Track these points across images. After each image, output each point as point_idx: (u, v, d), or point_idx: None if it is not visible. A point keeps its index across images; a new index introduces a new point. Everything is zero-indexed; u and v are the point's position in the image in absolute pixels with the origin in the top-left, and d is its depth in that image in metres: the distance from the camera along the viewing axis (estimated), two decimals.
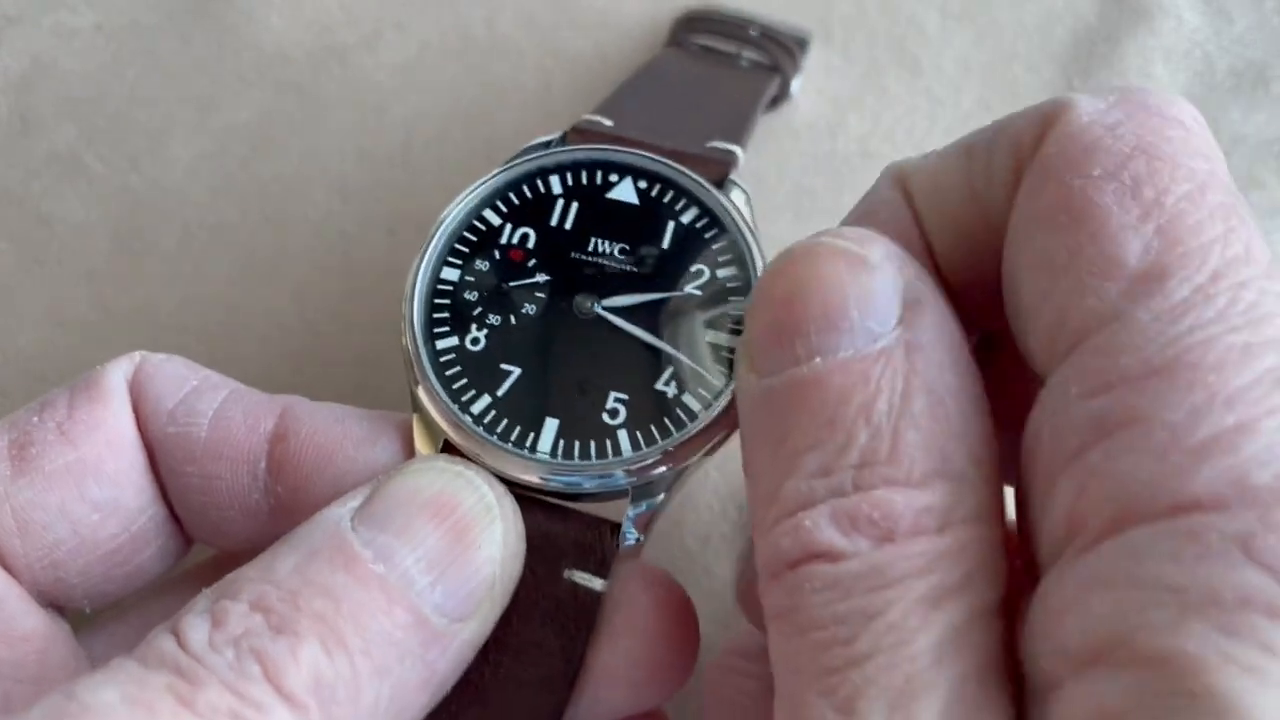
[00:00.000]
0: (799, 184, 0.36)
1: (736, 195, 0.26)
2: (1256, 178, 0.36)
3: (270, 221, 0.36)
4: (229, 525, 0.24)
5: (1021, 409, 0.19)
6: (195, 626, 0.19)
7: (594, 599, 0.22)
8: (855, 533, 0.17)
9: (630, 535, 0.23)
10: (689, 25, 0.38)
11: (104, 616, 0.25)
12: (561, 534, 0.23)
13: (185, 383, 0.24)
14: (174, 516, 0.25)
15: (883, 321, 0.18)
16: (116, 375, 0.24)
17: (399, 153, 0.38)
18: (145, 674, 0.18)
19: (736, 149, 0.27)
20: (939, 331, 0.19)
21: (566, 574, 0.22)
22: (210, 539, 0.25)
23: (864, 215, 0.22)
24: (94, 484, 0.23)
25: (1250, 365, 0.16)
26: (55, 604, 0.24)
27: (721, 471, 0.32)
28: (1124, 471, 0.16)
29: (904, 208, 0.22)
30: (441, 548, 0.20)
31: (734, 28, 0.37)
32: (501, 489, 0.22)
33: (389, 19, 0.40)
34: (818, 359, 0.18)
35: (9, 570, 0.23)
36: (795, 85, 0.37)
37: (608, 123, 0.28)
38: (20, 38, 0.40)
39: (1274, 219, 0.35)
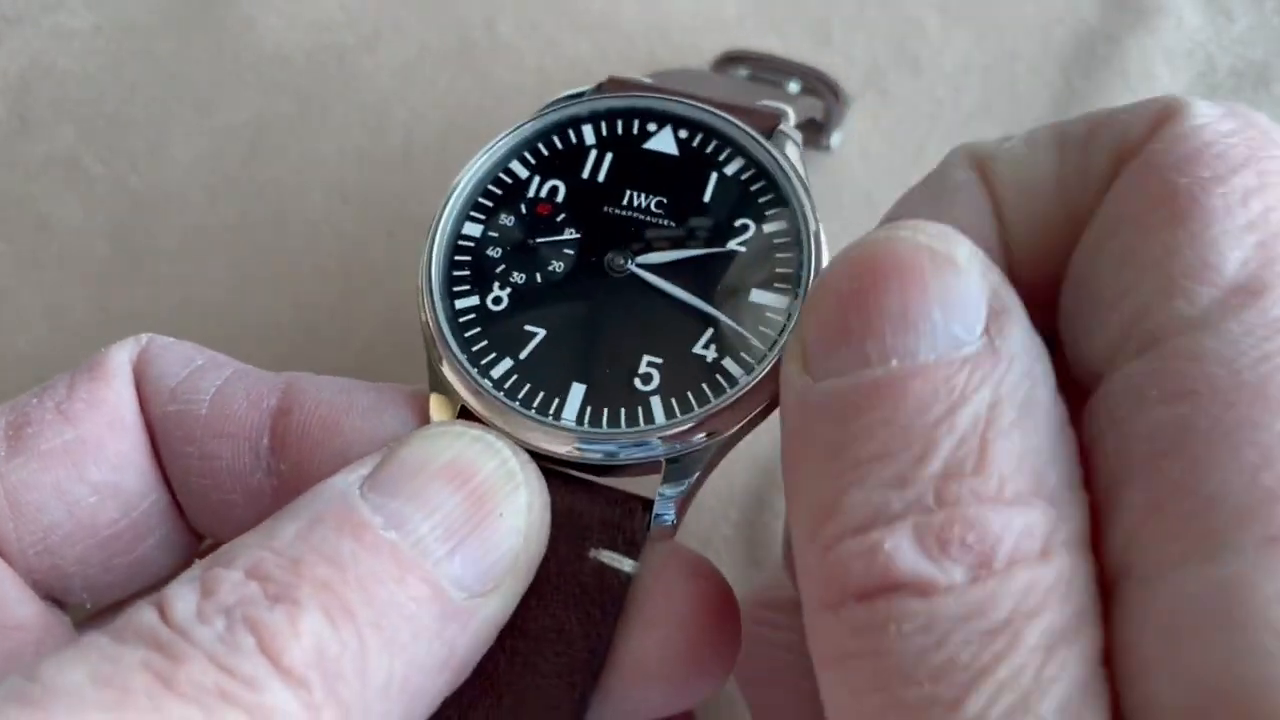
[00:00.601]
0: None
1: (787, 146, 0.24)
2: None
3: (269, 223, 0.36)
4: (231, 510, 0.23)
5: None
6: (181, 596, 0.17)
7: (622, 582, 0.21)
8: (946, 558, 0.15)
9: (664, 515, 0.21)
10: (729, 61, 0.36)
11: (105, 613, 0.24)
12: (587, 511, 0.21)
13: (190, 362, 0.23)
14: (177, 504, 0.23)
15: (969, 328, 0.16)
16: (120, 355, 0.23)
17: (398, 154, 0.37)
18: (119, 650, 0.16)
19: (787, 107, 0.25)
20: (1026, 344, 0.17)
21: (593, 554, 0.21)
22: (213, 528, 0.24)
23: (938, 198, 0.20)
24: (93, 465, 0.22)
25: None
26: (53, 596, 0.22)
27: (721, 472, 0.32)
28: (1209, 493, 0.15)
29: (981, 194, 0.20)
30: (460, 515, 0.19)
31: (778, 64, 0.36)
32: (525, 455, 0.21)
33: (388, 20, 0.40)
34: (894, 361, 0.16)
35: (2, 555, 0.21)
36: (835, 139, 0.36)
37: (646, 80, 0.25)
38: (19, 39, 0.39)
39: None
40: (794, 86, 0.35)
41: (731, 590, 0.22)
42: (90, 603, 0.23)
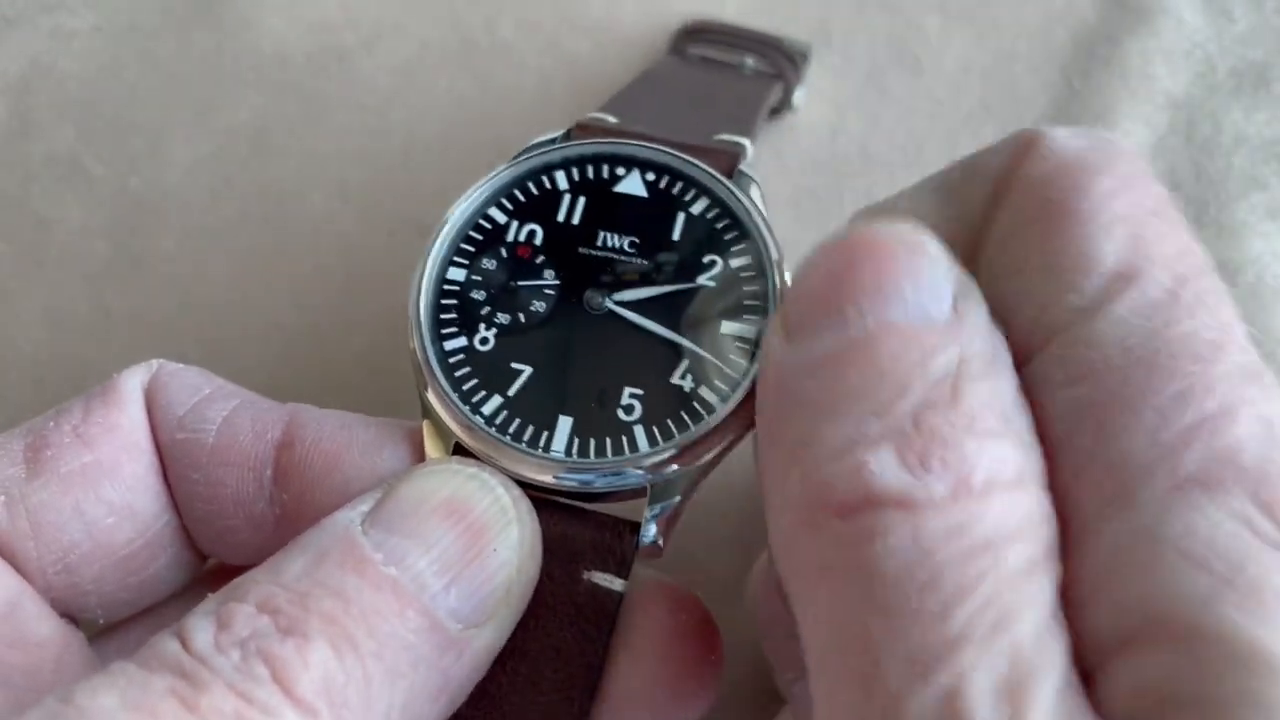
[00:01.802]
0: (799, 184, 0.36)
1: (747, 185, 0.25)
2: (1258, 178, 0.36)
3: (269, 223, 0.36)
4: (234, 536, 0.24)
5: None
6: (200, 628, 0.18)
7: (614, 600, 0.22)
8: (927, 474, 0.16)
9: (651, 536, 0.22)
10: (689, 36, 0.37)
11: (116, 626, 0.25)
12: (579, 535, 0.22)
13: (198, 390, 0.24)
14: (185, 526, 0.24)
15: (937, 303, 0.18)
16: (133, 381, 0.24)
17: (399, 154, 0.37)
18: (146, 677, 0.17)
19: (745, 140, 0.26)
20: (987, 323, 0.18)
21: (585, 575, 0.22)
22: (217, 551, 0.25)
23: None
24: (110, 487, 0.23)
25: (1223, 359, 0.17)
26: (69, 613, 0.23)
27: (721, 471, 0.32)
28: (1118, 454, 0.16)
29: None
30: (456, 551, 0.20)
31: (734, 38, 0.37)
32: (517, 491, 0.22)
33: (389, 21, 0.40)
34: (870, 320, 0.17)
35: (23, 574, 0.22)
36: (798, 96, 0.37)
37: (612, 119, 0.27)
38: (19, 39, 0.39)
39: (1275, 220, 0.35)
40: (750, 62, 0.36)
41: (713, 621, 0.23)
42: (103, 619, 0.24)
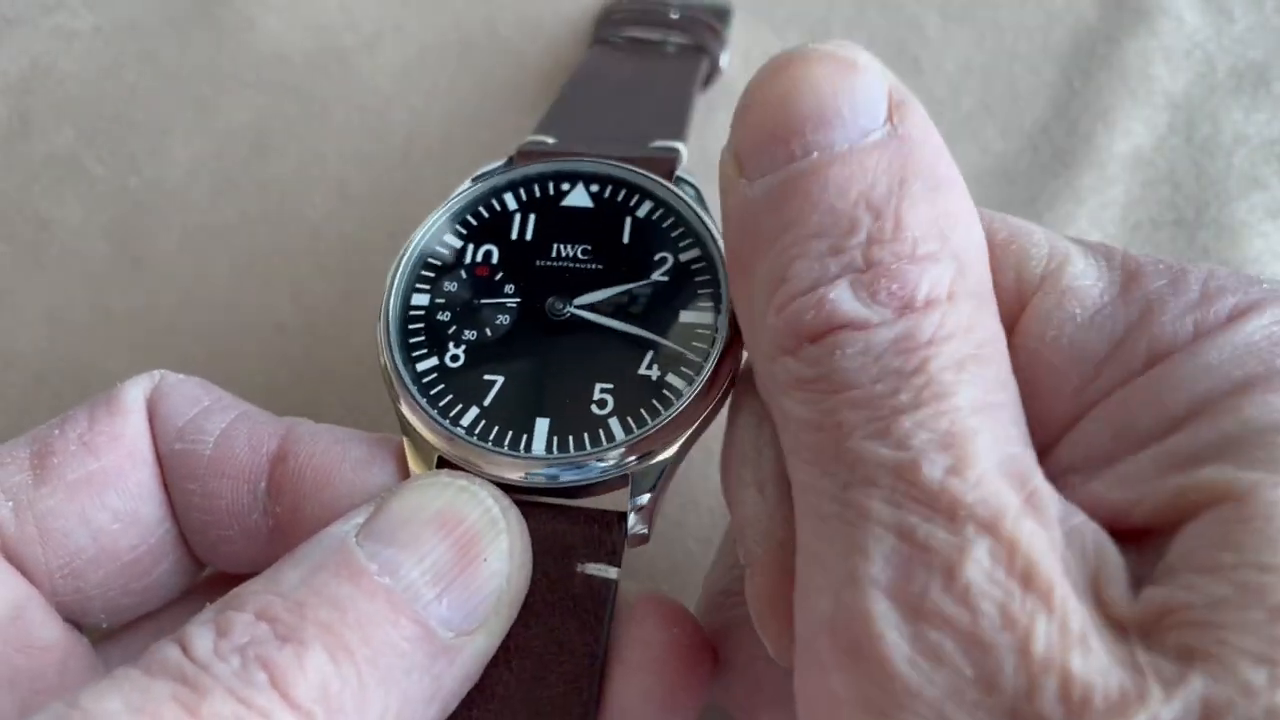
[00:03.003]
0: None
1: (685, 189, 0.26)
2: (1258, 178, 0.36)
3: (269, 223, 0.36)
4: (229, 545, 0.24)
5: None
6: (200, 635, 0.19)
7: (610, 587, 0.22)
8: (876, 303, 0.19)
9: (637, 523, 0.23)
10: (610, 19, 0.38)
11: (119, 631, 0.25)
12: (568, 532, 0.23)
13: (198, 403, 0.25)
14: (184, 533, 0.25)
15: (873, 117, 0.20)
16: (136, 391, 0.24)
17: (399, 155, 0.37)
18: (149, 682, 0.18)
19: (679, 145, 0.28)
20: (925, 128, 0.20)
21: (579, 568, 0.23)
22: (213, 559, 0.25)
23: None
24: (114, 494, 0.23)
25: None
26: (73, 618, 0.24)
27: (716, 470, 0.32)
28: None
29: None
30: (447, 561, 0.20)
31: (653, 13, 0.37)
32: (507, 501, 0.22)
33: (389, 21, 0.40)
34: (815, 154, 0.19)
35: (30, 580, 0.23)
36: (724, 60, 0.37)
37: (550, 140, 0.28)
38: (20, 40, 0.40)
39: (1275, 219, 0.35)
40: (673, 44, 0.36)
41: (705, 637, 0.23)
42: (107, 623, 0.24)
